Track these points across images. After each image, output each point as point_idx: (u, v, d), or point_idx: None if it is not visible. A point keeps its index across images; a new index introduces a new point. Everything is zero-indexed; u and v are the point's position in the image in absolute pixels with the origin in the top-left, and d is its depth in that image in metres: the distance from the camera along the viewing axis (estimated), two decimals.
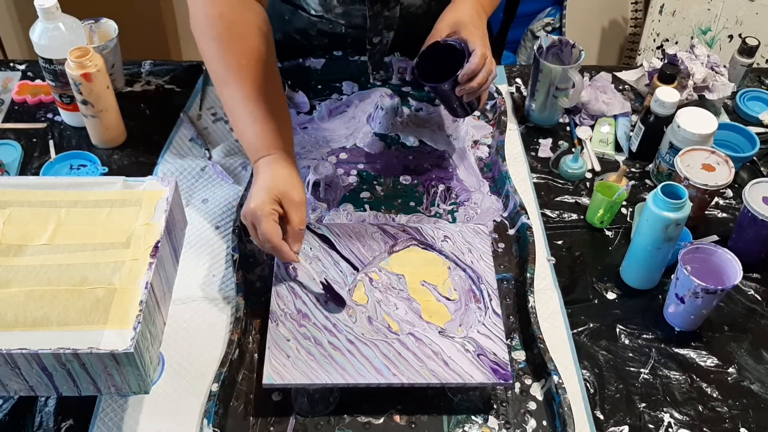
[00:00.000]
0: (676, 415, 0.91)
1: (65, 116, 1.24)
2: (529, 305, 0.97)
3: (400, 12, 1.23)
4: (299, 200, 0.94)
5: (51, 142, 1.21)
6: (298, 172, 0.98)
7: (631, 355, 0.97)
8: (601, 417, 0.90)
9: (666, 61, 1.28)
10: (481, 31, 1.06)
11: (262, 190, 0.93)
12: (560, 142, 1.24)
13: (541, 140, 1.26)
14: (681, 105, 1.20)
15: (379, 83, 1.32)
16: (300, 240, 0.95)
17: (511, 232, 1.10)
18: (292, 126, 1.04)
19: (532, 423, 0.89)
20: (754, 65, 1.36)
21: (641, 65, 1.37)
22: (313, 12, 1.25)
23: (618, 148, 1.25)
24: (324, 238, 1.02)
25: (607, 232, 1.12)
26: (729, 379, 0.95)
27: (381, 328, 0.92)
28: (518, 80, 1.37)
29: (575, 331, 0.99)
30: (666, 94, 1.15)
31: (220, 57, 1.00)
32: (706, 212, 1.13)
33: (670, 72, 1.21)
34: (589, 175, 1.20)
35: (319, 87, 1.32)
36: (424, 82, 1.06)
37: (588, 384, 0.93)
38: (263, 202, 0.92)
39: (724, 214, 1.15)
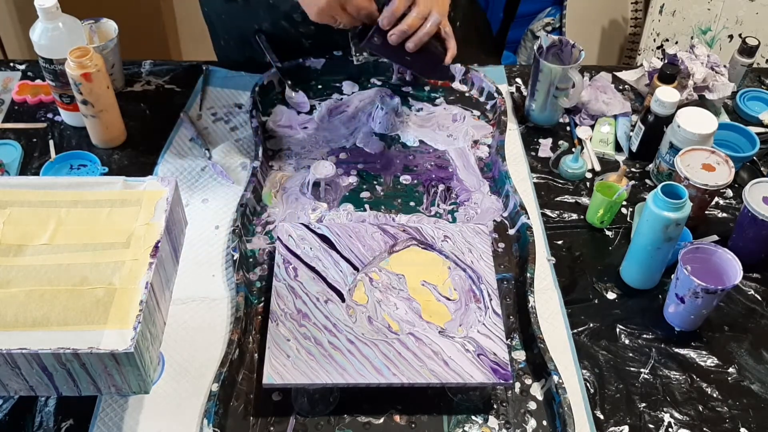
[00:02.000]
0: (676, 415, 0.91)
1: (65, 116, 1.24)
2: (529, 305, 0.97)
3: None
4: None
5: (51, 142, 1.21)
6: None
7: (631, 355, 0.97)
8: (601, 417, 0.90)
9: (666, 61, 1.28)
10: None
11: None
12: (560, 142, 1.24)
13: (541, 140, 1.26)
14: (681, 105, 1.20)
15: (379, 83, 1.32)
16: None
17: (511, 232, 1.10)
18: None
19: (532, 423, 0.89)
20: (754, 65, 1.36)
21: (641, 65, 1.37)
22: None
23: (618, 148, 1.25)
24: (324, 238, 1.02)
25: (607, 232, 1.12)
26: (729, 379, 0.95)
27: (381, 328, 0.92)
28: (518, 80, 1.37)
29: (575, 331, 0.99)
30: (666, 94, 1.15)
31: None
32: (706, 212, 1.13)
33: (670, 72, 1.21)
34: (589, 175, 1.20)
35: (319, 87, 1.32)
36: (361, 45, 1.04)
37: (588, 384, 0.93)
38: None
39: (724, 214, 1.15)
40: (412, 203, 1.14)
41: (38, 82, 1.30)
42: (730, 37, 2.04)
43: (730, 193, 1.18)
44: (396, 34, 1.01)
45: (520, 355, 0.96)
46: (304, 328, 0.91)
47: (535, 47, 1.23)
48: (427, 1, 1.01)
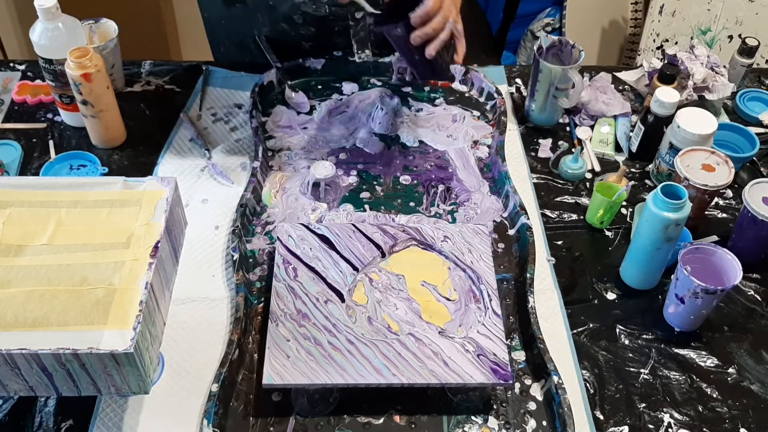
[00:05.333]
0: (676, 415, 0.91)
1: (65, 116, 1.24)
2: (529, 305, 0.97)
3: None
4: None
5: (51, 142, 1.21)
6: None
7: (631, 355, 0.97)
8: (601, 417, 0.90)
9: (666, 61, 1.28)
10: None
11: None
12: (560, 143, 1.24)
13: (541, 140, 1.26)
14: (681, 105, 1.20)
15: (379, 83, 1.32)
16: None
17: (511, 232, 1.10)
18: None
19: (532, 423, 0.89)
20: (754, 65, 1.36)
21: (641, 65, 1.37)
22: None
23: (618, 148, 1.25)
24: (324, 238, 1.02)
25: (607, 233, 1.12)
26: (729, 379, 0.95)
27: (381, 328, 0.92)
28: (518, 80, 1.37)
29: (575, 331, 0.99)
30: (666, 95, 1.15)
31: None
32: (706, 212, 1.13)
33: (670, 72, 1.21)
34: (589, 176, 1.20)
35: (319, 87, 1.32)
36: (379, 26, 1.05)
37: (588, 384, 0.93)
38: None
39: (724, 215, 1.15)
40: (411, 203, 1.14)
41: (38, 82, 1.30)
42: (730, 37, 2.04)
43: (729, 193, 1.18)
44: (420, 36, 1.02)
45: (520, 356, 0.96)
46: (304, 329, 0.91)
47: (535, 47, 1.23)
48: (449, 5, 1.03)
